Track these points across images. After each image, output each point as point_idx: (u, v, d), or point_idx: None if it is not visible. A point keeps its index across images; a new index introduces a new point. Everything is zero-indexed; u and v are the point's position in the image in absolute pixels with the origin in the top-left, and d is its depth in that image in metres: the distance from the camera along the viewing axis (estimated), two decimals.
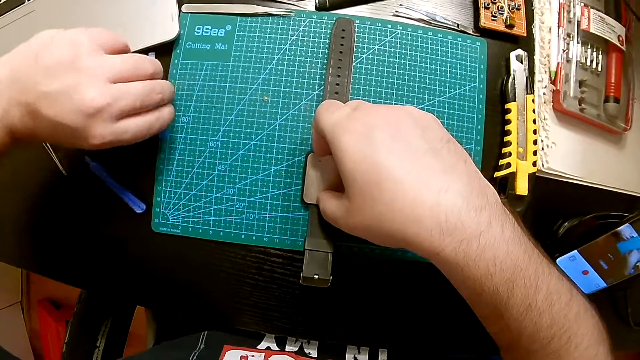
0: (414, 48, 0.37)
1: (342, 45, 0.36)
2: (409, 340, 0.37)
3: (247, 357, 0.33)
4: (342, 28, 0.36)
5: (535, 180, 0.37)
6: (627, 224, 0.33)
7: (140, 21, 0.36)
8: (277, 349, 0.36)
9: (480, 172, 0.25)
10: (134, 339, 0.66)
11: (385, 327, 0.37)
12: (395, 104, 0.36)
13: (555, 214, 0.38)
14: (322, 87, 0.36)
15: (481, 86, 0.37)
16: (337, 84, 0.35)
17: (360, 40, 0.37)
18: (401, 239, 0.23)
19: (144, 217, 0.36)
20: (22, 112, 0.27)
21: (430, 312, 0.36)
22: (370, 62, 0.36)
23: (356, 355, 0.37)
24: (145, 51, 0.35)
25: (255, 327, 0.36)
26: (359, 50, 0.36)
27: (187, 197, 0.35)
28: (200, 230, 0.35)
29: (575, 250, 0.35)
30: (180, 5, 0.36)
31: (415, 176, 0.23)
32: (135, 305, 0.57)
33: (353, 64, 0.36)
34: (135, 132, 0.29)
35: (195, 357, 0.33)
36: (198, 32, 0.36)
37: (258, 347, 0.36)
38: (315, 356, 0.36)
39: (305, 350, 0.36)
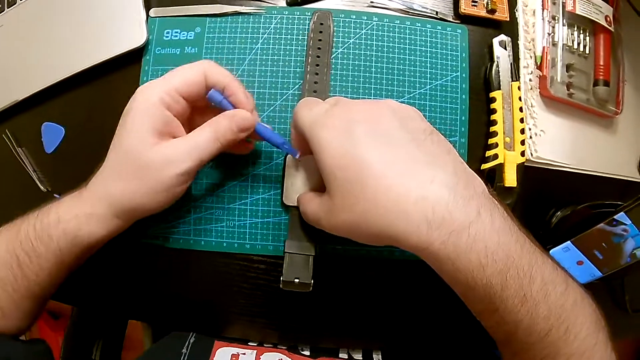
0: (391, 39, 0.36)
1: (320, 40, 0.34)
2: (399, 341, 0.36)
3: (239, 354, 0.32)
4: (320, 22, 0.35)
5: (525, 170, 0.35)
6: (621, 212, 0.31)
7: (107, 30, 0.35)
8: (270, 345, 0.35)
9: (465, 163, 0.25)
10: (131, 342, 0.66)
11: (375, 329, 0.36)
12: (375, 98, 0.35)
13: (547, 204, 0.37)
14: (297, 86, 0.34)
15: (464, 75, 0.36)
16: (316, 82, 0.34)
17: (335, 34, 0.35)
18: (387, 236, 0.23)
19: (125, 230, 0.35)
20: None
21: (420, 311, 0.35)
22: (346, 56, 0.35)
23: (350, 352, 0.36)
24: (115, 59, 0.34)
25: (244, 335, 0.35)
26: (334, 44, 0.35)
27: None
28: (181, 241, 0.34)
29: (569, 241, 0.34)
30: (147, 10, 0.35)
31: (398, 169, 0.22)
32: (126, 319, 0.56)
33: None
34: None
35: (186, 357, 0.32)
36: (167, 37, 0.35)
37: (250, 343, 0.35)
38: (308, 354, 0.35)
39: (298, 347, 0.36)
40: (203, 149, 0.26)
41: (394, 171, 0.22)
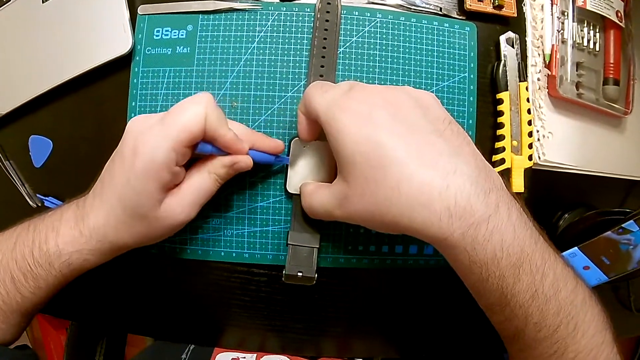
0: (396, 37, 0.34)
1: (327, 21, 0.32)
2: (401, 350, 0.35)
3: (239, 358, 0.32)
4: (327, 1, 0.32)
5: (532, 172, 0.34)
6: (630, 220, 0.31)
7: (89, 38, 0.33)
8: (269, 349, 0.35)
9: (482, 156, 0.24)
10: (134, 338, 0.65)
11: (378, 339, 0.35)
12: None
13: (554, 206, 0.36)
14: (296, 88, 0.33)
15: (471, 76, 0.34)
16: (322, 66, 0.32)
17: None
18: (407, 224, 0.22)
19: None
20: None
21: (422, 320, 0.35)
22: (348, 56, 0.33)
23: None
24: (99, 68, 0.32)
25: (247, 347, 0.35)
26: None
27: None
28: (178, 250, 0.33)
29: (576, 247, 0.33)
30: (132, 10, 0.33)
31: (421, 158, 0.22)
32: (125, 332, 0.56)
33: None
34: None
35: None
36: (157, 36, 0.33)
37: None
38: (309, 358, 0.35)
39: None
40: (205, 195, 0.27)
41: (418, 160, 0.22)
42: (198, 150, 0.26)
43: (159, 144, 0.24)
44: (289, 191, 0.31)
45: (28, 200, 0.35)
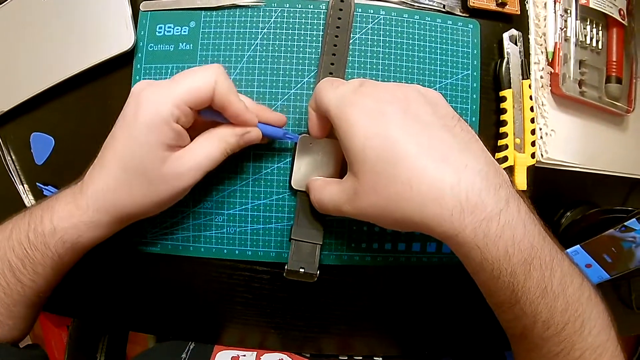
0: (399, 35, 0.34)
1: (339, 19, 0.32)
2: (403, 348, 0.35)
3: (239, 356, 0.32)
4: None
5: (534, 170, 0.34)
6: (633, 219, 0.31)
7: (92, 35, 0.32)
8: (270, 346, 0.35)
9: (479, 140, 0.25)
10: (136, 336, 0.66)
11: (380, 337, 0.35)
12: None
13: (556, 204, 0.37)
14: (299, 85, 0.33)
15: (475, 74, 0.34)
16: (332, 63, 0.32)
17: None
18: (418, 220, 0.22)
19: (121, 238, 0.33)
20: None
21: (423, 318, 0.35)
22: (351, 54, 0.33)
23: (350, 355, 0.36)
24: (102, 65, 0.32)
25: (248, 345, 0.35)
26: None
27: (164, 213, 0.32)
28: (181, 247, 0.33)
29: (578, 245, 0.33)
30: (134, 5, 0.33)
31: (433, 153, 0.22)
32: (126, 330, 0.56)
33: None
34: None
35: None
36: (160, 32, 0.33)
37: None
38: (309, 356, 0.35)
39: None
40: (211, 161, 0.26)
41: (429, 155, 0.22)
42: (205, 116, 0.26)
43: (162, 99, 0.24)
44: (293, 187, 0.31)
45: (25, 200, 0.35)
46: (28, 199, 0.35)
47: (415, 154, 0.22)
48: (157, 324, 0.35)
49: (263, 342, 0.35)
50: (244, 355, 0.33)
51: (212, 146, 0.26)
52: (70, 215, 0.26)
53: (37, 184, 0.34)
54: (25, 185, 0.35)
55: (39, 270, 0.26)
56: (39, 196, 0.35)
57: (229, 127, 0.27)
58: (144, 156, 0.24)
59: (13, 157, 0.35)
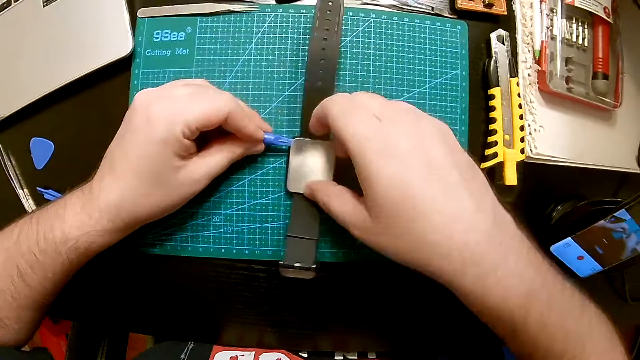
0: (390, 37, 0.35)
1: (327, 30, 0.31)
2: (398, 345, 0.36)
3: (237, 357, 0.33)
4: (328, 1, 0.31)
5: (524, 165, 0.35)
6: (622, 209, 0.31)
7: (91, 41, 0.33)
8: (268, 343, 0.35)
9: (497, 199, 0.26)
10: (135, 340, 0.65)
11: (376, 334, 0.35)
12: None
13: (547, 198, 0.37)
14: (293, 87, 0.34)
15: (464, 73, 0.35)
16: (320, 81, 0.31)
17: None
18: (424, 268, 0.24)
19: (121, 240, 0.34)
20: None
21: (419, 313, 0.35)
22: (343, 55, 0.34)
23: (345, 354, 0.36)
24: (100, 70, 0.33)
25: (246, 343, 0.35)
26: None
27: None
28: (179, 248, 0.34)
29: (569, 237, 0.34)
30: (132, 13, 0.34)
31: (449, 213, 0.23)
32: (126, 331, 0.56)
33: None
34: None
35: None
36: (157, 38, 0.34)
37: (247, 346, 0.35)
38: (306, 356, 0.35)
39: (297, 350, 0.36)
40: (221, 168, 0.29)
41: (445, 214, 0.23)
42: None
43: (175, 119, 0.26)
44: (290, 190, 0.31)
45: (25, 205, 0.35)
46: (28, 203, 0.36)
47: (432, 213, 0.23)
48: (156, 324, 0.36)
49: (261, 340, 0.35)
50: (243, 355, 0.33)
51: (222, 156, 0.29)
52: (83, 224, 0.27)
53: (37, 188, 0.35)
54: (25, 190, 0.36)
55: (49, 275, 0.27)
56: (39, 200, 0.35)
57: (240, 142, 0.30)
58: (160, 168, 0.26)
59: (13, 162, 0.36)
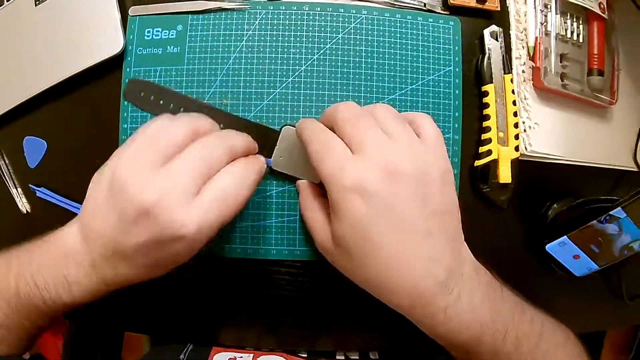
0: (381, 33, 0.34)
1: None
2: (397, 344, 0.36)
3: (236, 358, 0.33)
4: None
5: (519, 163, 0.35)
6: (618, 207, 0.31)
7: (82, 39, 0.33)
8: (266, 349, 0.35)
9: (457, 234, 0.26)
10: (131, 342, 0.66)
11: (375, 334, 0.35)
12: (365, 96, 0.34)
13: (542, 196, 0.37)
14: (284, 85, 0.33)
15: (457, 70, 0.35)
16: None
17: (322, 29, 0.34)
18: (378, 297, 0.26)
19: None
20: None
21: None
22: (334, 52, 0.34)
23: (347, 353, 0.36)
24: (92, 68, 0.33)
25: (243, 344, 0.35)
26: (321, 40, 0.34)
27: None
28: None
29: (565, 236, 0.33)
30: (123, 11, 0.34)
31: (402, 262, 0.24)
32: (121, 331, 0.56)
33: (316, 57, 0.34)
34: (224, 196, 0.25)
35: None
36: (148, 36, 0.34)
37: (247, 347, 0.35)
38: (306, 356, 0.35)
39: (295, 350, 0.35)
40: None
41: (401, 263, 0.24)
42: None
43: (207, 233, 0.24)
44: (273, 168, 0.32)
45: (18, 204, 0.35)
46: (22, 202, 0.36)
47: (388, 257, 0.24)
48: (153, 324, 0.36)
49: (258, 340, 0.35)
50: (241, 357, 0.33)
51: None
52: (95, 292, 0.27)
53: (30, 186, 0.35)
54: (19, 189, 0.36)
55: (56, 316, 0.28)
56: (32, 199, 0.35)
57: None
58: (183, 259, 0.26)
59: (6, 161, 0.36)
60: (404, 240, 0.24)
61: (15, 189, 0.35)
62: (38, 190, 0.35)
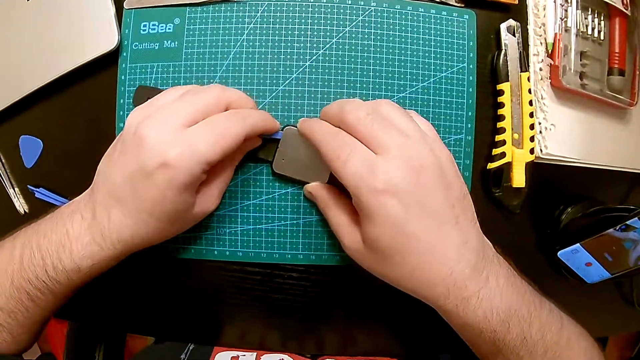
0: (391, 27, 0.32)
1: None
2: (401, 345, 0.35)
3: (238, 357, 0.32)
4: None
5: (533, 166, 0.33)
6: (635, 217, 0.29)
7: (75, 35, 0.31)
8: (269, 347, 0.35)
9: (478, 225, 0.27)
10: (134, 341, 0.66)
11: (378, 335, 0.35)
12: (373, 93, 0.32)
13: (556, 200, 0.35)
14: (287, 81, 0.32)
15: (471, 66, 0.33)
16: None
17: (328, 22, 0.32)
18: (411, 293, 0.26)
19: None
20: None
21: (421, 315, 0.34)
22: (342, 47, 0.32)
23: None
24: (87, 65, 0.31)
25: (246, 344, 0.34)
26: (328, 34, 0.32)
27: None
28: (171, 248, 0.33)
29: (578, 244, 0.32)
30: (117, 4, 0.32)
31: (439, 251, 0.25)
32: (123, 332, 0.56)
33: (321, 51, 0.32)
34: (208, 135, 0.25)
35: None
36: (144, 30, 0.32)
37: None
38: (309, 356, 0.35)
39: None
40: (228, 185, 0.29)
41: (434, 252, 0.24)
42: None
43: (197, 161, 0.24)
44: (275, 171, 0.31)
45: (15, 204, 0.34)
46: (19, 202, 0.35)
47: (422, 251, 0.24)
48: (154, 325, 0.35)
49: (262, 341, 0.35)
50: (244, 356, 0.33)
51: (228, 171, 0.29)
52: (94, 254, 0.26)
53: (28, 186, 0.34)
54: (16, 189, 0.35)
55: (59, 295, 0.27)
56: (30, 199, 0.35)
57: (241, 150, 0.29)
58: (177, 209, 0.26)
59: (3, 161, 0.35)
60: (437, 231, 0.24)
61: (12, 189, 0.34)
62: (37, 191, 0.34)
